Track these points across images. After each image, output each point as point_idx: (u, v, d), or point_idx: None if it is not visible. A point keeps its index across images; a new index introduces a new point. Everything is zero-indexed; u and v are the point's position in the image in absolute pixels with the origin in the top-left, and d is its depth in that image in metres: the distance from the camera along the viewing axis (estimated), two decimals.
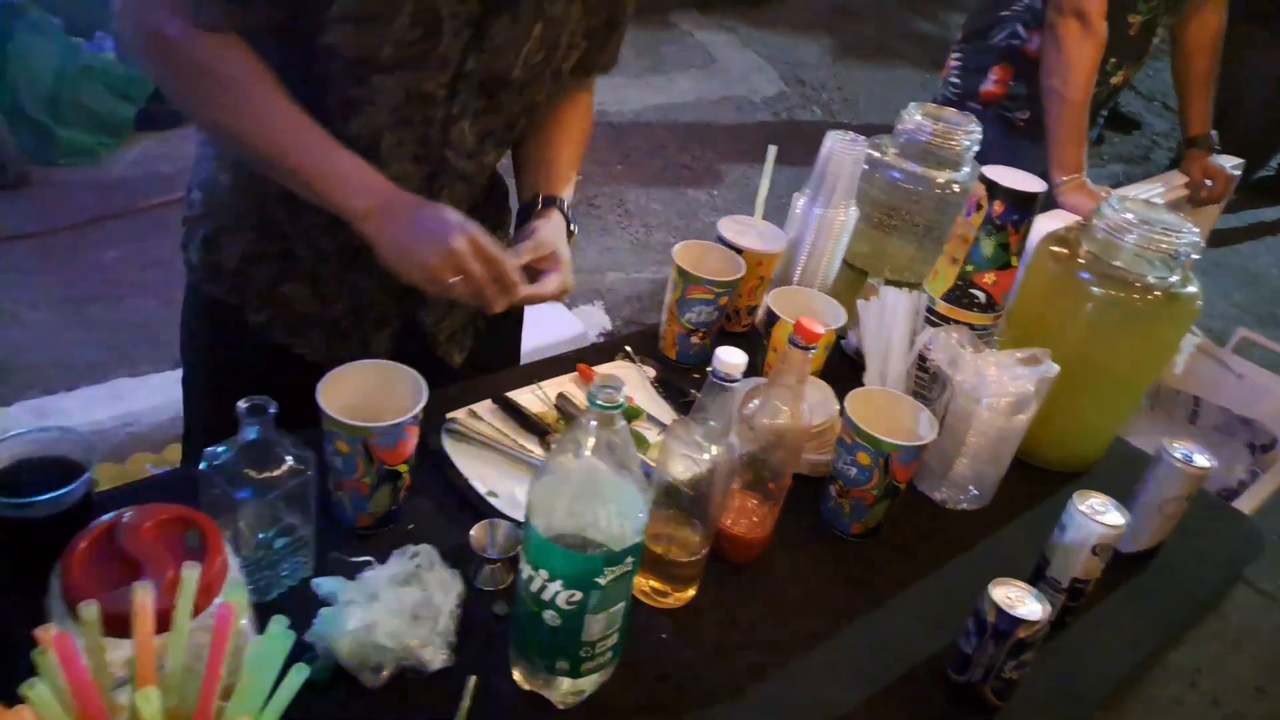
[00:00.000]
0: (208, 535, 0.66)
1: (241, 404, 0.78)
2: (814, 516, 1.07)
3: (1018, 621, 0.83)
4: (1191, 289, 1.13)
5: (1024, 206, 1.08)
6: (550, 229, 1.07)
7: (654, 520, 0.89)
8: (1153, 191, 2.06)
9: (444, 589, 0.83)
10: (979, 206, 1.10)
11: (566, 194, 1.15)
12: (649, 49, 5.04)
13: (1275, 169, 4.61)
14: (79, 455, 0.81)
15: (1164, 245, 1.09)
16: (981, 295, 1.13)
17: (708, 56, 5.14)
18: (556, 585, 0.72)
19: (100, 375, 2.07)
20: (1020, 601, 0.85)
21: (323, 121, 0.98)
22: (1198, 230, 1.12)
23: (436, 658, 0.79)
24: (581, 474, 0.73)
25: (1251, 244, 4.30)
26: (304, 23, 0.91)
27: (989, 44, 1.95)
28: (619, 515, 0.73)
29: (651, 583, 0.92)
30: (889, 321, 1.14)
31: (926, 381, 1.13)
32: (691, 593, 0.93)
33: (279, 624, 0.56)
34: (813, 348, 0.88)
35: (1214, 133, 2.12)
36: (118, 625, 0.55)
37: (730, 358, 0.80)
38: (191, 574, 0.57)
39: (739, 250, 1.27)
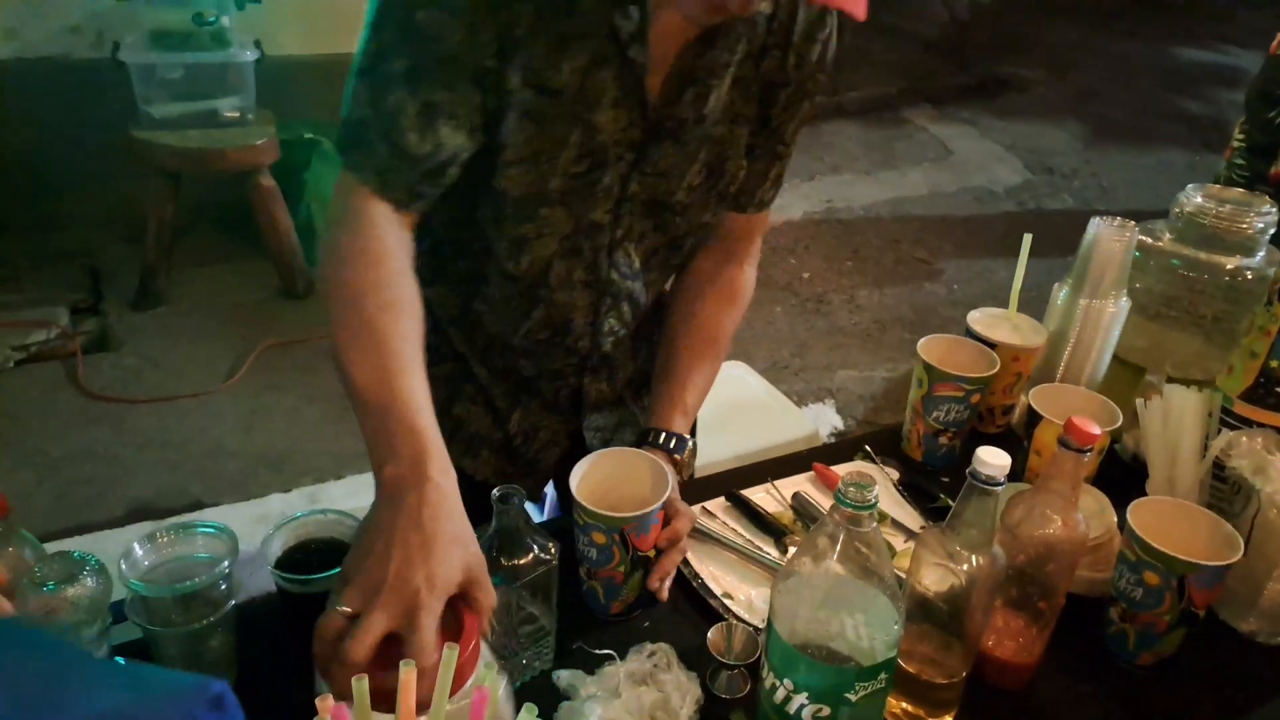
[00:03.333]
0: (465, 619, 0.68)
1: (495, 492, 0.81)
2: (1092, 643, 0.94)
3: None
4: None
5: None
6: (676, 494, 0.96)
7: (906, 637, 0.82)
8: None
9: (681, 692, 0.80)
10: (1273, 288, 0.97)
11: (682, 420, 1.06)
12: (880, 144, 5.01)
13: None
14: (351, 537, 0.87)
15: None
16: None
17: (943, 149, 5.03)
18: (803, 698, 0.67)
19: (364, 465, 2.28)
20: None
21: (492, 262, 0.99)
22: None
23: None
24: (828, 579, 0.68)
25: None
26: (475, 174, 0.91)
27: (1275, 122, 1.75)
28: (869, 626, 0.67)
29: (904, 705, 0.84)
30: (1176, 423, 1.01)
31: (1225, 493, 0.99)
32: (949, 719, 0.84)
33: (530, 712, 0.55)
34: (1088, 449, 0.80)
35: None
36: (383, 700, 0.57)
37: (994, 459, 0.73)
38: (451, 655, 0.58)
39: (992, 345, 1.19)
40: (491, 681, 0.57)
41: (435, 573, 0.66)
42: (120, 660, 0.79)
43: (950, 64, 6.06)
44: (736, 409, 2.11)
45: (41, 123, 3.16)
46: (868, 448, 1.22)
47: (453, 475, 0.74)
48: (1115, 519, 0.98)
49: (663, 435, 1.03)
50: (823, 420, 2.76)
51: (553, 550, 0.85)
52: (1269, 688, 0.92)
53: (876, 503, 0.65)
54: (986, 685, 0.87)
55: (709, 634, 0.87)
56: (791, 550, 1.02)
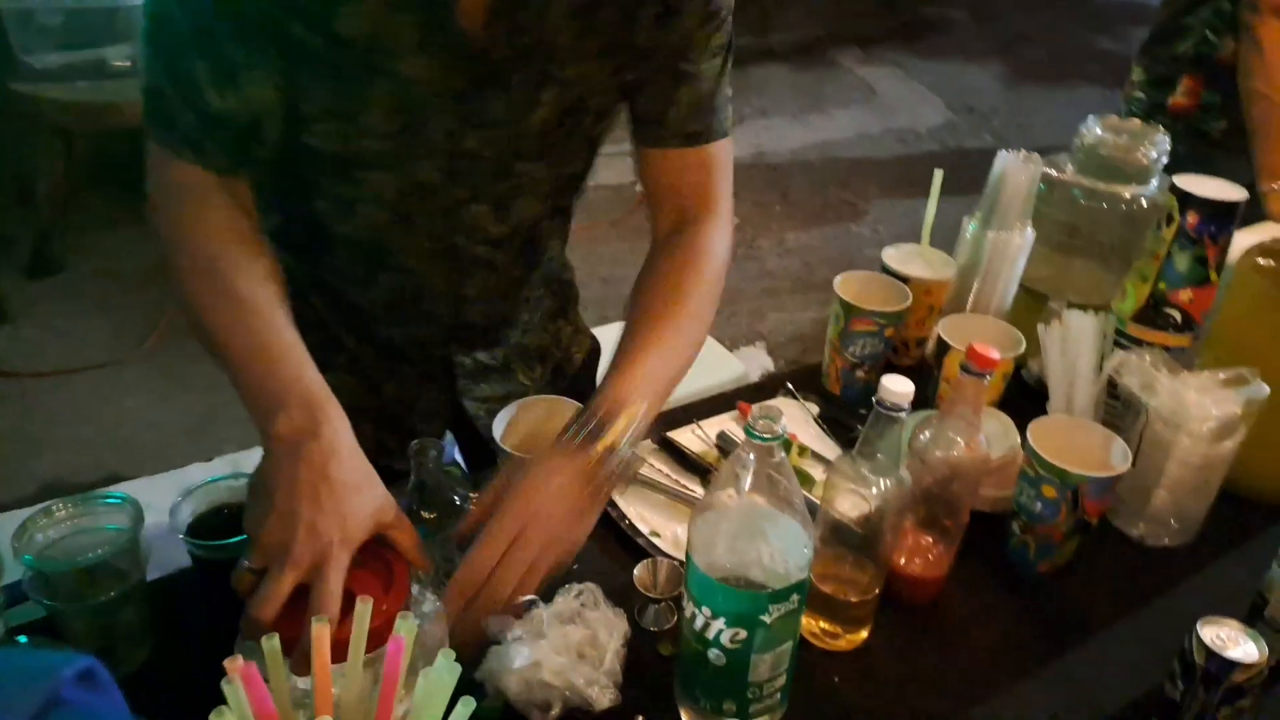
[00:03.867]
0: (395, 569, 0.69)
1: (413, 444, 0.82)
2: (996, 556, 1.00)
3: (1231, 664, 0.74)
4: None
5: (1222, 217, 0.99)
6: (531, 482, 0.80)
7: (822, 560, 0.87)
8: None
9: (609, 628, 0.83)
10: (1170, 219, 1.02)
11: (625, 399, 0.84)
12: (808, 88, 5.03)
13: None
14: None
15: None
16: (1177, 314, 1.04)
17: (869, 91, 5.07)
18: (720, 623, 0.70)
19: None
20: (1233, 642, 0.76)
21: (318, 226, 0.94)
22: None
23: (603, 697, 0.79)
24: (741, 510, 0.72)
25: None
26: (291, 132, 0.86)
27: (1173, 53, 1.81)
28: (782, 552, 0.71)
29: (821, 624, 0.88)
30: (1074, 346, 1.07)
31: (1118, 410, 1.05)
32: (864, 635, 0.89)
33: (446, 657, 0.57)
34: (988, 374, 0.84)
35: None
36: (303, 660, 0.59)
37: (897, 386, 0.77)
38: (365, 609, 0.60)
39: (905, 279, 1.23)
40: (408, 630, 0.58)
41: (343, 523, 0.66)
42: (22, 640, 0.77)
43: (877, 6, 6.08)
44: None
45: None
46: (789, 384, 1.25)
47: (346, 421, 0.74)
48: (1019, 439, 1.03)
49: (571, 428, 0.83)
50: (754, 363, 2.81)
51: (474, 498, 0.86)
52: (1156, 586, 0.99)
53: (783, 435, 0.68)
54: (898, 602, 0.92)
55: (635, 570, 0.90)
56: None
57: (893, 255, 1.27)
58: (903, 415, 0.78)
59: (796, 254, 3.55)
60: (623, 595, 0.88)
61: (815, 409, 1.21)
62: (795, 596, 0.70)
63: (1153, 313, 1.05)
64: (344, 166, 0.88)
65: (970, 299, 1.28)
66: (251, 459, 0.73)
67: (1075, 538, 0.95)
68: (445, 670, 0.55)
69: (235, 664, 0.53)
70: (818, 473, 1.09)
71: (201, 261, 0.80)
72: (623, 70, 0.90)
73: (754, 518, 0.72)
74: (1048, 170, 1.28)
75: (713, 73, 0.93)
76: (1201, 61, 1.77)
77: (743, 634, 0.70)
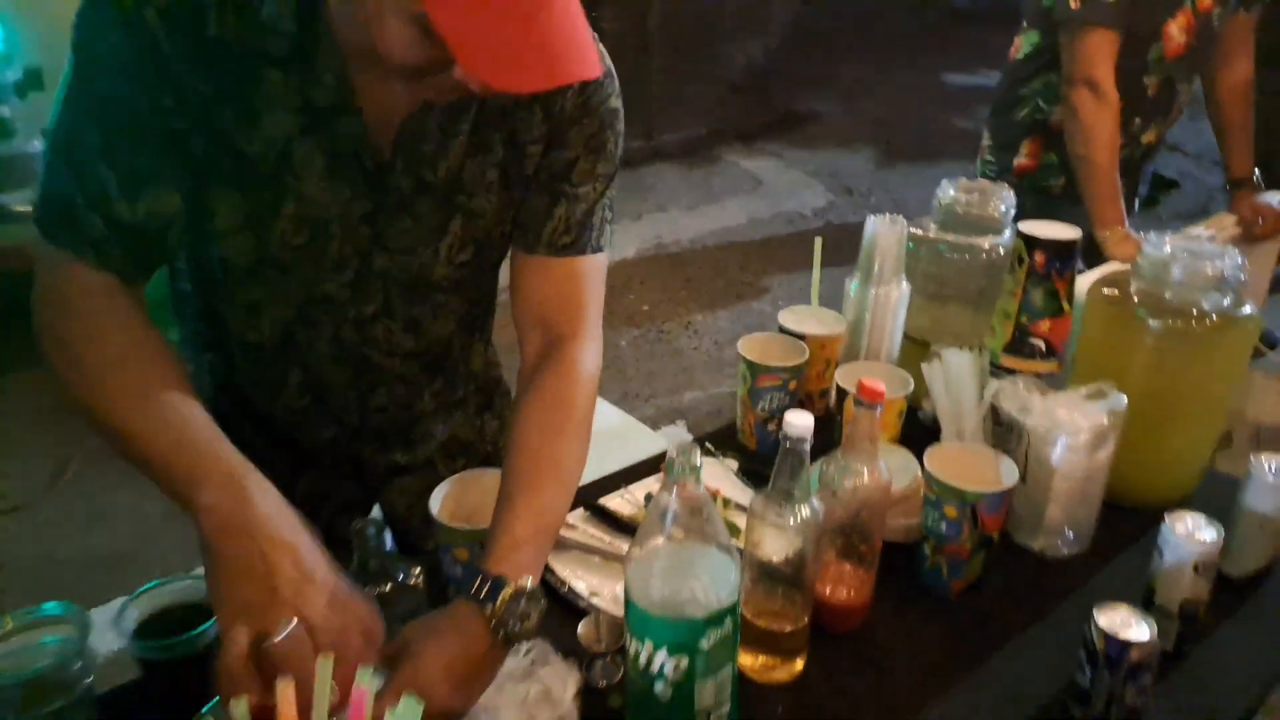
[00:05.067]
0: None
1: (355, 523, 0.85)
2: (914, 582, 1.07)
3: (1128, 645, 0.82)
4: (1247, 310, 1.14)
5: (1063, 254, 1.13)
6: (425, 649, 0.77)
7: (754, 598, 0.92)
8: (1205, 234, 2.07)
9: (562, 680, 0.86)
10: (1021, 261, 1.15)
11: (517, 566, 0.82)
12: (699, 182, 5.29)
13: None
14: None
15: (1209, 271, 1.11)
16: (1040, 343, 1.16)
17: (755, 181, 5.36)
18: (662, 655, 0.75)
19: None
20: (1127, 625, 0.84)
21: (228, 325, 0.97)
22: (1239, 254, 1.14)
23: None
24: (669, 549, 0.77)
25: None
26: (198, 241, 0.90)
27: (1014, 120, 2.03)
28: (711, 581, 0.76)
29: (760, 659, 0.94)
30: (955, 382, 1.17)
31: (1002, 434, 1.15)
32: (799, 664, 0.95)
33: (408, 701, 0.61)
34: (877, 405, 0.92)
35: (1257, 170, 2.13)
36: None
37: (797, 419, 0.85)
38: (325, 669, 0.63)
39: (801, 337, 1.33)
40: (368, 682, 0.61)
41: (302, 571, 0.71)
42: None
43: (754, 103, 6.48)
44: (594, 439, 2.19)
45: None
46: (708, 444, 1.33)
47: (273, 487, 0.77)
48: (919, 470, 1.12)
49: (474, 586, 0.80)
50: (676, 439, 2.88)
51: (418, 573, 0.90)
52: (1060, 592, 1.07)
53: (699, 465, 0.75)
54: (829, 633, 0.98)
55: (579, 628, 0.94)
56: None
57: (788, 316, 1.38)
58: (806, 445, 0.86)
59: (705, 334, 3.69)
60: (569, 655, 0.92)
61: (734, 464, 1.28)
62: (728, 620, 0.76)
63: (1019, 344, 1.17)
64: (252, 273, 0.91)
65: (862, 350, 1.39)
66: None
67: (980, 553, 1.03)
68: (410, 708, 0.58)
69: None
70: (741, 521, 1.15)
71: (109, 356, 0.81)
72: (518, 198, 0.97)
73: (682, 554, 0.77)
74: (915, 230, 1.41)
75: (593, 195, 0.98)
76: (1037, 127, 1.99)
77: (684, 662, 0.75)
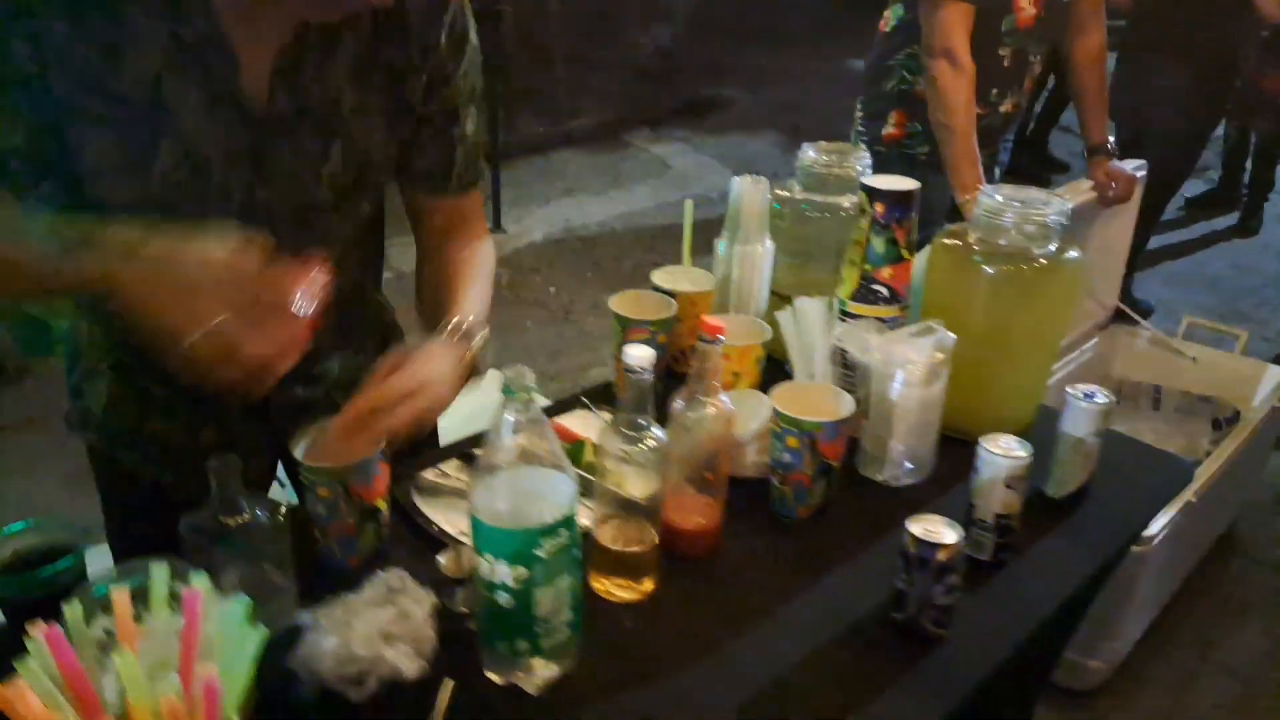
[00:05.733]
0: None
1: (210, 461, 0.88)
2: (764, 512, 1.14)
3: (935, 546, 0.91)
4: (1073, 254, 1.24)
5: (902, 204, 1.20)
6: (423, 357, 0.99)
7: (607, 525, 0.98)
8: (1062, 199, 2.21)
9: (418, 603, 0.90)
10: (864, 212, 1.23)
11: (466, 318, 1.07)
12: (607, 167, 5.34)
13: (1216, 181, 4.81)
14: (70, 540, 0.90)
15: (1037, 217, 1.21)
16: (884, 289, 1.24)
17: (663, 166, 5.43)
18: (502, 565, 0.80)
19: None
20: (935, 530, 0.92)
21: None
22: (1067, 202, 1.24)
23: (414, 666, 0.86)
24: (509, 468, 0.82)
25: (1204, 252, 4.47)
26: (73, 185, 0.91)
27: (883, 91, 2.13)
28: (548, 497, 0.82)
29: (612, 580, 0.99)
30: (806, 327, 1.25)
31: (849, 376, 1.23)
32: (649, 585, 1.00)
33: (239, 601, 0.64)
34: (718, 340, 0.99)
35: (1112, 139, 2.28)
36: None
37: (636, 351, 0.91)
38: (160, 574, 0.66)
39: (672, 294, 1.39)
40: (200, 581, 0.65)
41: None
42: None
43: (660, 90, 6.55)
44: (480, 403, 2.22)
45: None
46: (584, 399, 1.38)
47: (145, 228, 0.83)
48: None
49: (449, 326, 1.05)
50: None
51: (282, 510, 0.93)
52: (900, 517, 1.15)
53: (533, 387, 0.80)
54: (680, 558, 1.04)
55: (439, 557, 0.98)
56: None
57: (660, 275, 1.44)
58: (647, 377, 0.92)
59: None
60: (435, 584, 0.96)
61: (609, 415, 1.34)
62: (564, 531, 0.81)
63: (865, 291, 1.25)
64: (133, 214, 0.91)
65: (730, 306, 1.46)
66: None
67: (822, 480, 1.11)
68: (238, 604, 0.62)
69: (37, 627, 0.58)
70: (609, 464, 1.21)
71: None
72: (399, 128, 1.04)
73: (520, 472, 0.82)
74: (780, 191, 1.49)
75: (477, 128, 1.12)
76: (904, 97, 2.10)
77: (524, 571, 0.80)
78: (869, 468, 1.22)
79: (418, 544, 1.07)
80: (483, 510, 0.81)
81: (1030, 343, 1.30)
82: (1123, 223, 2.45)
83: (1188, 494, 1.86)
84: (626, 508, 0.98)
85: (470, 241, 1.19)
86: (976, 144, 1.97)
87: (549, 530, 0.80)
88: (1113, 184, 2.25)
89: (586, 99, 6.03)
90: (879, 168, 1.41)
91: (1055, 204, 1.23)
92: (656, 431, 0.95)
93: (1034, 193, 1.26)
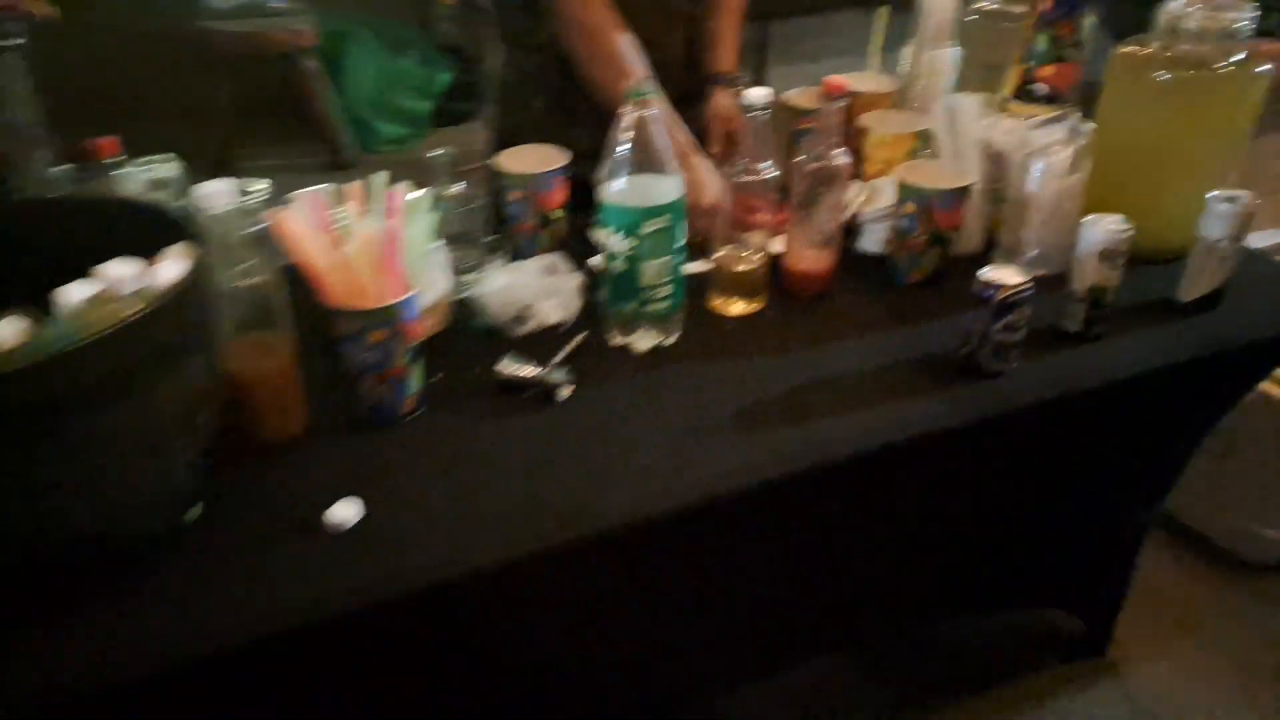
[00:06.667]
0: None
1: None
2: (881, 279, 1.27)
3: (996, 286, 1.01)
4: (1260, 69, 1.21)
5: (1070, 0, 1.23)
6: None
7: (725, 248, 1.18)
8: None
9: (569, 276, 1.17)
10: (1033, 7, 1.27)
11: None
12: None
13: None
14: None
15: (1223, 23, 1.19)
16: (1044, 88, 1.29)
17: None
18: (618, 237, 1.03)
19: None
20: (1002, 275, 1.03)
21: None
22: (1255, 10, 1.20)
23: (560, 316, 1.13)
24: (632, 166, 1.03)
25: None
26: None
27: None
28: (658, 190, 1.02)
29: (726, 297, 1.19)
30: (958, 120, 1.32)
31: (996, 175, 1.30)
32: (758, 304, 1.20)
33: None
34: (838, 98, 1.12)
35: None
36: None
37: (757, 90, 1.07)
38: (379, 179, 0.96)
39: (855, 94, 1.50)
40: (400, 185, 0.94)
41: None
42: None
43: None
44: None
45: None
46: None
47: None
48: None
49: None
50: None
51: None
52: None
53: (650, 91, 1.00)
54: (794, 296, 1.22)
55: (589, 261, 1.23)
56: None
57: (844, 78, 1.55)
58: (764, 115, 1.09)
59: None
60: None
61: None
62: (666, 215, 1.02)
63: (1024, 90, 1.30)
64: None
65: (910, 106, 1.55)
66: None
67: (935, 249, 1.22)
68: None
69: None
70: None
71: None
72: None
73: (643, 176, 1.03)
74: (980, 4, 1.53)
75: None
76: None
77: (632, 243, 1.03)
78: (1001, 260, 1.30)
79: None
80: (608, 193, 1.04)
81: (1202, 159, 1.28)
82: None
83: None
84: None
85: None
86: None
87: (654, 211, 1.01)
88: None
89: None
90: None
91: (1245, 10, 1.19)
92: (768, 164, 1.12)
93: None
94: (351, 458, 0.95)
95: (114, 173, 1.09)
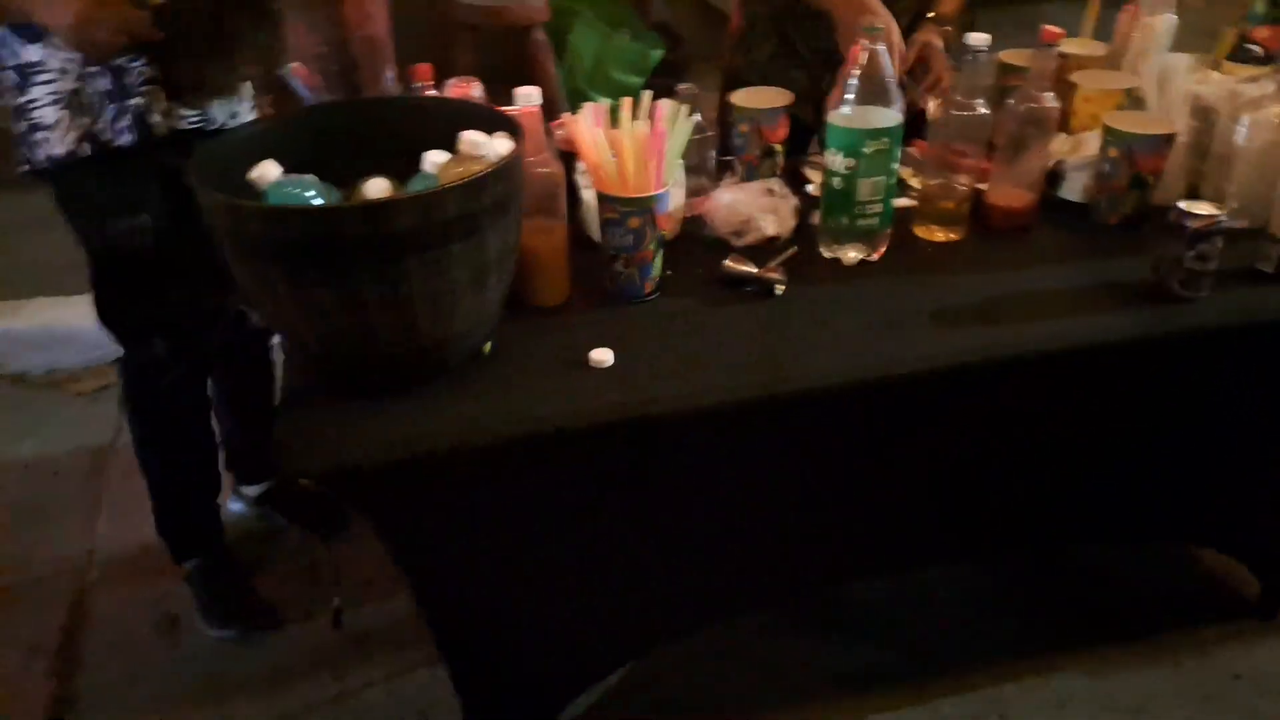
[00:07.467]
0: None
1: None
2: (1085, 221, 1.36)
3: (1191, 215, 1.10)
4: None
5: None
6: None
7: (934, 180, 1.31)
8: None
9: (786, 198, 1.34)
10: None
11: None
12: None
13: None
14: None
15: None
16: (1258, 49, 1.34)
17: None
18: (840, 156, 1.19)
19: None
20: (1201, 207, 1.11)
21: None
22: None
23: (777, 229, 1.30)
24: (856, 95, 1.19)
25: None
26: None
27: None
28: (879, 114, 1.17)
29: (930, 226, 1.33)
30: (1168, 78, 1.40)
31: (1202, 129, 1.36)
32: (955, 235, 1.32)
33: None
34: (1053, 45, 1.23)
35: None
36: None
37: (974, 36, 1.21)
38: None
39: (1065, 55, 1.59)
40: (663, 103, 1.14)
41: None
42: None
43: None
44: None
45: None
46: None
47: None
48: None
49: None
50: None
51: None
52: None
53: (881, 29, 1.15)
54: (994, 229, 1.34)
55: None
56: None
57: (1068, 42, 1.63)
58: (984, 56, 1.21)
59: None
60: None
61: None
62: (885, 139, 1.17)
63: (1239, 50, 1.36)
64: None
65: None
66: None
67: (1136, 192, 1.30)
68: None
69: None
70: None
71: None
72: None
73: (860, 105, 1.19)
74: None
75: None
76: None
77: (853, 162, 1.18)
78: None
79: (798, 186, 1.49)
80: (832, 116, 1.20)
81: None
82: None
83: None
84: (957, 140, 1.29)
85: None
86: None
87: (873, 133, 1.17)
88: None
89: None
90: None
91: None
92: (979, 101, 1.25)
93: None
94: (605, 322, 1.16)
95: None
